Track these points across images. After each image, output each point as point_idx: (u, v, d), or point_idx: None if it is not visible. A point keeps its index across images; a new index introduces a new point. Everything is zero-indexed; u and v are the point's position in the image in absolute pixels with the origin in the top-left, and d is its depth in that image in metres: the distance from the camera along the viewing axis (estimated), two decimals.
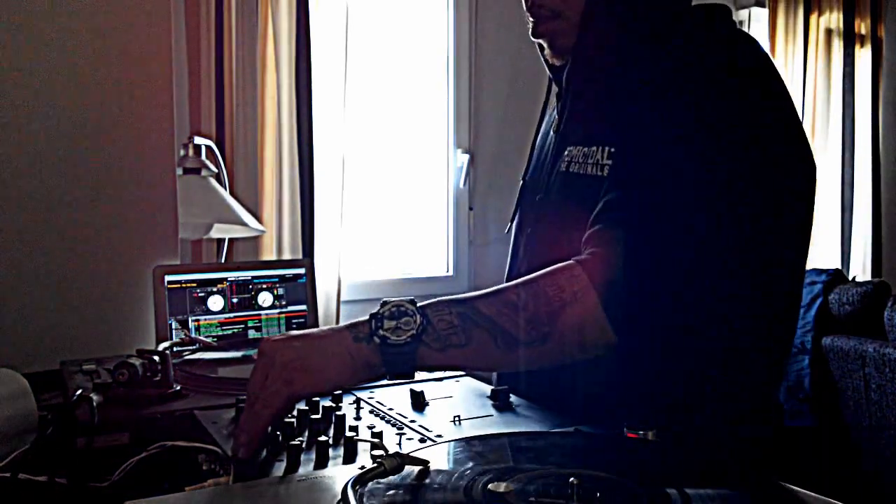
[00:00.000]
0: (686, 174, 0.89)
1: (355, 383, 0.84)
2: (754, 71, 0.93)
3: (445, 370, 0.90)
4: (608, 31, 1.03)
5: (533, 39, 1.11)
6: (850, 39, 4.12)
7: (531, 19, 1.08)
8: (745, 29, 3.90)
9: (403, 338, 0.81)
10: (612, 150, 0.94)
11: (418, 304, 0.84)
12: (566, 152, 1.05)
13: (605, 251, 0.88)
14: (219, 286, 1.56)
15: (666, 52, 0.95)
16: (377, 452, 0.73)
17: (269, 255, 2.58)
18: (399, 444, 0.81)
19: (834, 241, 4.12)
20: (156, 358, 1.02)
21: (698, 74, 0.91)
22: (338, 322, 2.68)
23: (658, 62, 0.94)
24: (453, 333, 0.83)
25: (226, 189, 2.28)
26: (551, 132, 1.14)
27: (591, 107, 1.05)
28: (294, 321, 1.62)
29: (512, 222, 1.22)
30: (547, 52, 1.11)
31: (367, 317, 0.83)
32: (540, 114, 1.27)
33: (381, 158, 3.06)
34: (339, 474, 0.69)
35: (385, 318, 0.82)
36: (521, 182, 1.21)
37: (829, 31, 4.07)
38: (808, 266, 3.63)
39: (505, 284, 0.89)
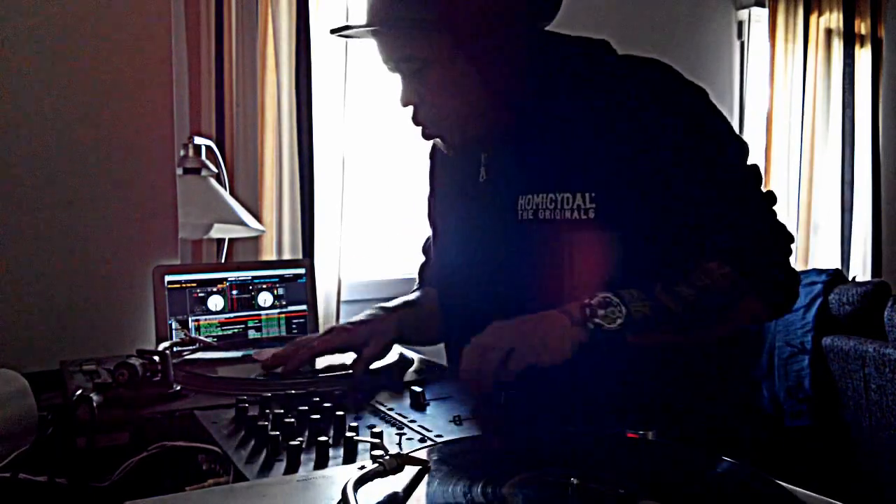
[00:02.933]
0: (665, 195, 1.04)
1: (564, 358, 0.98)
2: (669, 87, 1.07)
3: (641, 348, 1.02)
4: (517, 97, 1.12)
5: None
6: (850, 39, 4.12)
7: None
8: (745, 29, 3.90)
9: (616, 325, 0.98)
10: (593, 195, 1.05)
11: (618, 294, 0.99)
12: (522, 200, 1.10)
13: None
14: (219, 286, 1.56)
15: (590, 99, 1.08)
16: (377, 452, 0.73)
17: (269, 255, 2.57)
18: (399, 444, 0.81)
19: (834, 241, 4.12)
20: (156, 358, 1.02)
21: (632, 112, 1.05)
22: (338, 322, 2.68)
23: (588, 107, 1.08)
24: (646, 323, 0.99)
25: (226, 189, 2.28)
26: (482, 176, 1.18)
27: (537, 155, 1.11)
28: (294, 321, 1.62)
29: (426, 255, 1.39)
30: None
31: (577, 304, 0.99)
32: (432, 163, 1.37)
33: (381, 158, 3.06)
34: (339, 474, 0.69)
35: (597, 307, 0.98)
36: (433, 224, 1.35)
37: (829, 31, 4.07)
38: (809, 266, 3.63)
39: (677, 278, 1.03)
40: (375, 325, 1.20)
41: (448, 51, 1.07)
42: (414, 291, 1.38)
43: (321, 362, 1.18)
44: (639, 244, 1.05)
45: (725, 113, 1.10)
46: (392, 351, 1.22)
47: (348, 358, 1.17)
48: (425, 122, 1.13)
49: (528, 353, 0.95)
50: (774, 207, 1.10)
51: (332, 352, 1.16)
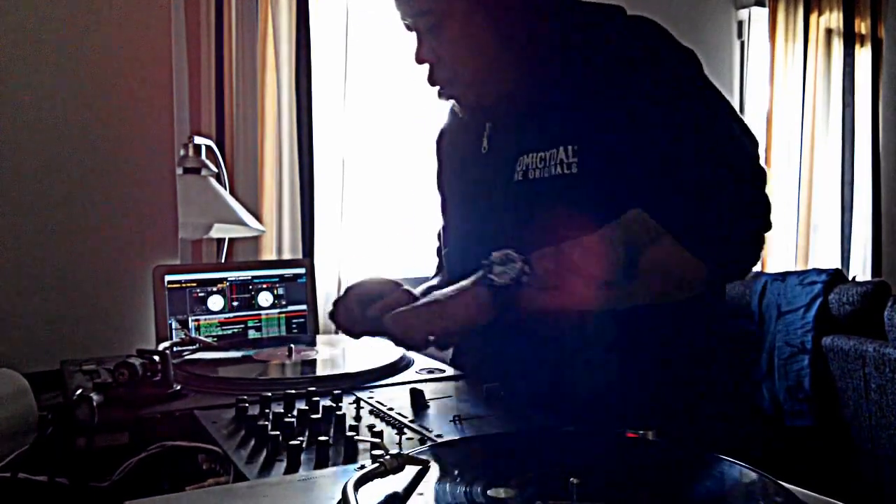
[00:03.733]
0: (646, 149, 0.99)
1: (484, 320, 0.97)
2: (661, 43, 1.04)
3: (551, 311, 0.98)
4: (518, 51, 1.08)
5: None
6: (850, 39, 4.12)
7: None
8: (745, 29, 3.90)
9: (507, 279, 0.95)
10: (575, 147, 1.02)
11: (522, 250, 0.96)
12: (518, 163, 1.09)
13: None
14: (219, 286, 1.56)
15: (587, 51, 1.05)
16: (377, 452, 0.73)
17: (269, 255, 2.58)
18: (399, 444, 0.81)
19: (834, 241, 4.12)
20: (156, 358, 1.02)
21: (623, 63, 1.01)
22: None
23: (583, 63, 1.05)
24: (550, 278, 0.95)
25: (226, 189, 2.28)
26: (484, 147, 1.17)
27: (534, 116, 1.09)
28: (294, 321, 1.62)
29: (440, 239, 1.37)
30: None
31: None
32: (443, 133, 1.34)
33: (381, 158, 3.06)
34: (339, 474, 0.68)
35: (495, 264, 0.96)
36: (441, 197, 1.33)
37: (829, 31, 4.07)
38: (809, 266, 3.63)
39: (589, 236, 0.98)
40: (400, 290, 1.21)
41: (464, 9, 1.05)
42: (434, 277, 1.39)
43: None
44: (619, 200, 1.00)
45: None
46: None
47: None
48: (441, 81, 1.11)
49: (444, 321, 0.96)
50: (750, 174, 1.00)
51: (367, 292, 1.16)
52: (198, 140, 2.11)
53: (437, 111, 1.36)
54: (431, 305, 0.99)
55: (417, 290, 1.30)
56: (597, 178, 1.01)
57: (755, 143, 1.04)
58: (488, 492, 0.62)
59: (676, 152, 0.98)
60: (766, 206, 0.99)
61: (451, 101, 1.17)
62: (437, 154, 1.38)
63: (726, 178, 0.97)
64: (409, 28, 1.11)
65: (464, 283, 1.00)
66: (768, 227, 0.99)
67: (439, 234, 1.43)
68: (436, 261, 1.45)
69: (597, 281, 0.96)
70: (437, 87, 1.12)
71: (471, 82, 1.09)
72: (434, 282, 1.36)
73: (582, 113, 1.03)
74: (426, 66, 1.10)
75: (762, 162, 1.05)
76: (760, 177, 1.00)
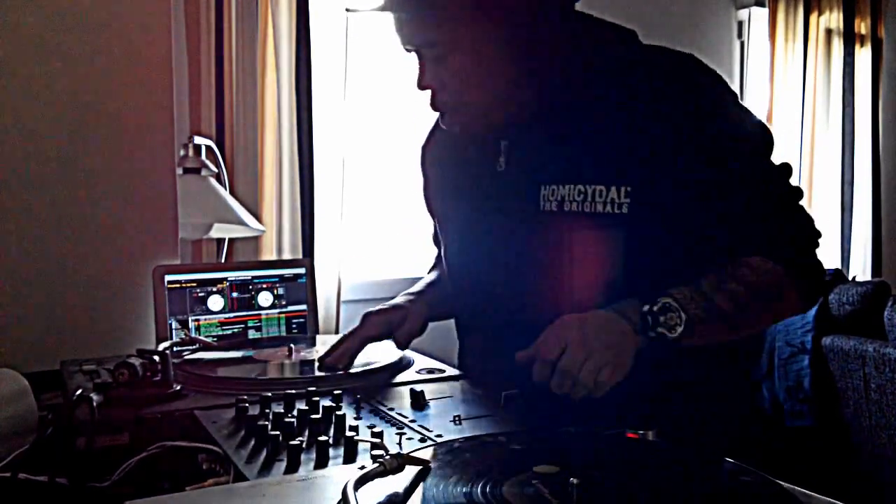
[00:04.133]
0: (698, 191, 1.02)
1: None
2: (704, 83, 1.06)
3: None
4: (544, 86, 1.08)
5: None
6: (850, 39, 4.11)
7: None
8: (745, 29, 3.90)
9: (676, 335, 0.96)
10: (629, 189, 1.01)
11: (674, 296, 0.97)
12: (544, 190, 1.06)
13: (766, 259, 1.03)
14: (219, 286, 1.56)
15: (629, 88, 1.04)
16: (377, 452, 0.73)
17: (269, 255, 2.57)
18: (399, 444, 0.81)
19: (834, 241, 4.12)
20: (156, 358, 1.02)
21: (667, 102, 1.02)
22: (338, 322, 2.68)
23: (631, 99, 1.03)
24: (702, 325, 0.98)
25: (226, 189, 2.28)
26: (500, 165, 1.13)
27: (564, 144, 1.07)
28: (294, 321, 1.62)
29: (438, 258, 1.37)
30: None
31: (635, 308, 0.97)
32: (429, 137, 1.32)
33: (382, 158, 3.06)
34: (339, 474, 0.68)
35: (657, 314, 0.96)
36: (427, 207, 1.32)
37: (829, 31, 4.07)
38: None
39: (723, 274, 1.01)
40: (408, 308, 1.23)
41: (474, 39, 1.02)
42: (432, 271, 1.40)
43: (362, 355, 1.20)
44: (671, 240, 1.03)
45: None
46: (392, 351, 1.22)
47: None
48: (444, 107, 1.08)
49: (611, 372, 0.93)
50: (802, 202, 1.09)
51: (376, 339, 1.20)
52: (198, 140, 2.11)
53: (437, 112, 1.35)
54: (579, 323, 0.96)
55: (416, 288, 1.30)
56: (646, 221, 1.01)
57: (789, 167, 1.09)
58: (488, 490, 0.62)
59: (741, 190, 1.03)
60: (813, 221, 1.08)
61: (437, 119, 1.15)
62: (422, 167, 1.34)
63: (788, 203, 1.06)
64: (409, 51, 1.08)
65: (598, 314, 0.97)
66: (819, 233, 1.08)
67: (434, 238, 1.43)
68: (433, 255, 1.45)
69: (735, 324, 1.01)
70: (439, 114, 1.10)
71: (476, 113, 1.07)
72: (432, 276, 1.37)
73: (634, 154, 1.02)
74: (427, 92, 1.08)
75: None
76: (800, 194, 1.08)
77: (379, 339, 1.21)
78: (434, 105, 1.09)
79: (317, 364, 1.16)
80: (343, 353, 1.16)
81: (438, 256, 1.43)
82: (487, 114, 1.07)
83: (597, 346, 0.93)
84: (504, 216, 1.12)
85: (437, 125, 1.30)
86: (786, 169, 1.08)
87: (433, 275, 1.38)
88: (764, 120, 3.87)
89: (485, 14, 1.01)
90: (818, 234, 1.08)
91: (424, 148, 1.34)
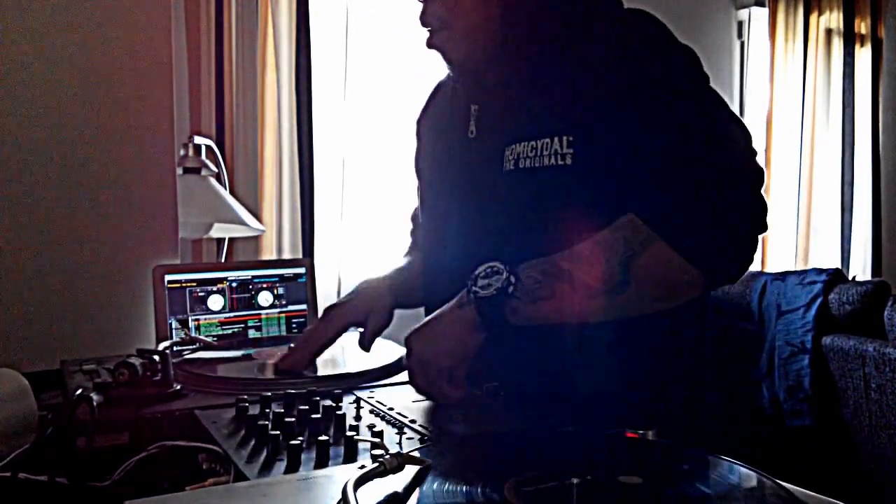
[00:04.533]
0: (643, 147, 0.95)
1: (476, 343, 0.97)
2: (662, 38, 1.01)
3: (538, 322, 0.96)
4: (519, 34, 1.07)
5: (428, 49, 1.12)
6: (850, 39, 4.12)
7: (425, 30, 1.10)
8: (745, 29, 3.90)
9: (491, 291, 0.93)
10: (570, 138, 0.98)
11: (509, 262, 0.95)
12: (507, 152, 1.05)
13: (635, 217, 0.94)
14: (219, 286, 1.56)
15: (585, 41, 1.02)
16: (377, 452, 0.73)
17: (269, 254, 2.58)
18: (399, 443, 0.81)
19: (834, 241, 4.12)
20: (156, 357, 1.02)
21: (621, 55, 0.98)
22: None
23: (581, 53, 1.01)
24: (539, 287, 0.93)
25: (226, 189, 2.28)
26: (471, 131, 1.13)
27: (527, 104, 1.06)
28: (294, 321, 1.62)
29: (414, 222, 1.38)
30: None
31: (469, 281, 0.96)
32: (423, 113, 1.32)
33: (382, 158, 3.06)
34: (339, 474, 0.68)
35: (479, 278, 0.95)
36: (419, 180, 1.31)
37: (829, 31, 4.07)
38: (808, 266, 3.62)
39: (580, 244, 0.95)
40: (370, 297, 1.21)
41: None
42: (405, 256, 1.38)
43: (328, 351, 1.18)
44: (612, 196, 0.97)
45: None
46: (392, 351, 1.22)
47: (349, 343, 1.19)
48: (434, 20, 1.08)
49: (451, 361, 0.96)
50: (750, 173, 0.96)
51: (338, 335, 1.18)
52: (198, 140, 2.11)
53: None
54: (418, 339, 0.99)
55: (381, 273, 1.29)
56: (591, 171, 0.98)
57: (751, 144, 0.99)
58: (488, 490, 0.62)
59: (672, 152, 0.94)
60: (762, 207, 0.95)
61: (436, 86, 1.14)
62: (416, 135, 1.35)
63: (722, 179, 0.93)
64: None
65: (445, 306, 0.99)
66: (764, 228, 0.95)
67: (414, 216, 1.42)
68: (407, 242, 1.44)
69: (589, 291, 0.93)
70: (429, 28, 1.09)
71: (462, 29, 1.07)
72: (404, 262, 1.35)
73: (578, 103, 0.99)
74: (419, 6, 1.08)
75: (760, 163, 1.01)
76: (757, 178, 0.96)
77: (340, 336, 1.19)
78: (424, 15, 1.08)
79: (273, 368, 1.14)
80: (301, 357, 1.14)
81: (412, 244, 1.43)
82: (470, 35, 1.07)
83: (427, 350, 0.97)
84: (474, 183, 1.12)
85: (434, 93, 1.32)
86: (736, 147, 0.97)
87: (403, 261, 1.35)
88: (764, 120, 3.89)
89: None
90: (754, 219, 0.94)
91: (421, 115, 1.35)
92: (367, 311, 1.20)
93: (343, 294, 2.72)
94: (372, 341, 1.20)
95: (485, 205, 1.10)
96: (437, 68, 1.15)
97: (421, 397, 0.99)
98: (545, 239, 0.98)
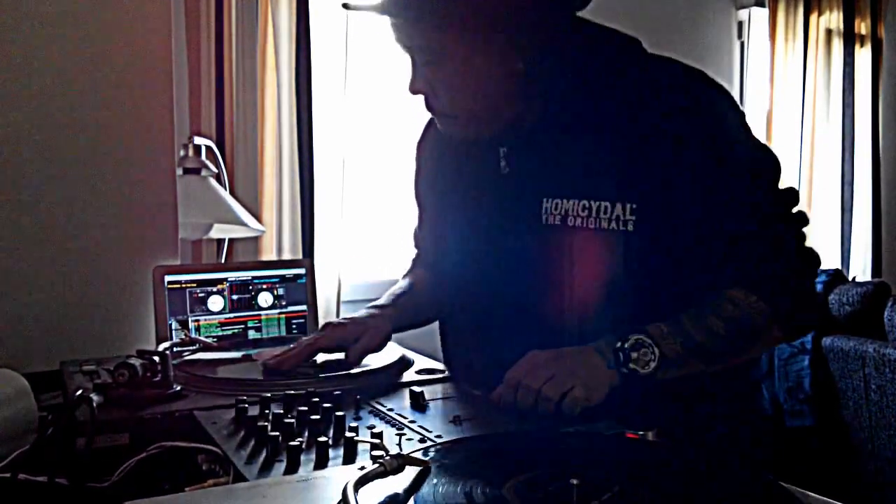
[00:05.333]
0: (699, 216, 1.01)
1: (601, 398, 0.95)
2: (714, 100, 1.04)
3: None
4: (542, 97, 1.06)
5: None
6: (850, 39, 4.11)
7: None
8: (745, 29, 3.90)
9: (649, 371, 0.96)
10: (634, 206, 1.00)
11: (649, 333, 0.96)
12: (547, 203, 1.05)
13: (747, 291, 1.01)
14: (219, 286, 1.56)
15: (634, 102, 1.03)
16: (377, 453, 0.73)
17: (269, 255, 2.57)
18: (399, 444, 0.81)
19: (834, 241, 4.12)
20: (156, 358, 1.02)
21: (673, 117, 1.00)
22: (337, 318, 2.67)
23: (639, 116, 1.02)
24: (676, 359, 0.98)
25: (226, 189, 2.28)
26: (503, 168, 1.12)
27: (566, 159, 1.06)
28: (294, 321, 1.62)
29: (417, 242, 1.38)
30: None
31: (609, 344, 0.96)
32: (423, 138, 1.32)
33: (382, 158, 3.06)
34: (338, 475, 0.68)
35: (629, 350, 0.96)
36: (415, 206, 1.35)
37: (829, 31, 4.07)
38: None
39: (705, 309, 1.00)
40: (369, 322, 1.20)
41: (464, 48, 1.00)
42: (405, 277, 1.37)
43: (320, 359, 1.18)
44: (673, 258, 1.02)
45: None
46: (392, 351, 1.22)
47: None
48: (437, 111, 1.07)
49: (580, 390, 0.93)
50: (804, 229, 1.06)
51: (326, 350, 1.16)
52: (198, 140, 2.11)
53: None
54: (550, 359, 0.96)
55: (381, 301, 1.28)
56: (654, 239, 1.00)
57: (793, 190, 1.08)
58: (488, 490, 0.61)
59: (740, 217, 1.01)
60: (812, 253, 1.06)
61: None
62: (416, 159, 1.34)
63: (785, 235, 1.04)
64: (403, 50, 1.07)
65: (574, 350, 0.98)
66: (818, 264, 1.07)
67: (416, 237, 1.42)
68: (408, 264, 1.43)
69: (714, 358, 1.00)
70: (436, 116, 1.09)
71: (466, 122, 1.06)
72: (405, 284, 1.34)
73: (640, 171, 1.00)
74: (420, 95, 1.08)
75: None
76: (803, 221, 1.06)
77: (329, 350, 1.17)
78: (428, 106, 1.09)
79: (260, 366, 1.14)
80: (289, 358, 1.12)
81: (414, 261, 1.42)
82: (478, 123, 1.06)
83: (564, 369, 0.94)
84: (505, 223, 1.11)
85: (433, 119, 1.31)
86: (790, 195, 1.06)
87: (404, 283, 1.34)
88: (764, 120, 3.89)
89: (475, 23, 0.99)
90: (814, 266, 1.05)
91: (421, 139, 1.34)
92: (359, 335, 1.17)
93: (344, 295, 2.74)
94: (358, 357, 1.16)
95: (519, 253, 1.09)
96: None
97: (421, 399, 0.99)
98: (594, 297, 1.01)
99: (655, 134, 1.00)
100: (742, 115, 1.06)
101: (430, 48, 1.02)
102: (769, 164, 1.05)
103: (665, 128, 1.00)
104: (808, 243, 1.07)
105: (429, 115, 1.31)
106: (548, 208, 1.06)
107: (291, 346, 1.17)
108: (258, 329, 1.58)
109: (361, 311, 1.24)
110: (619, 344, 0.96)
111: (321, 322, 1.69)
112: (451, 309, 1.26)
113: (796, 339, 1.09)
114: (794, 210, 1.06)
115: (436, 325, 1.32)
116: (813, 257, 1.05)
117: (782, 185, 1.06)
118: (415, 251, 1.43)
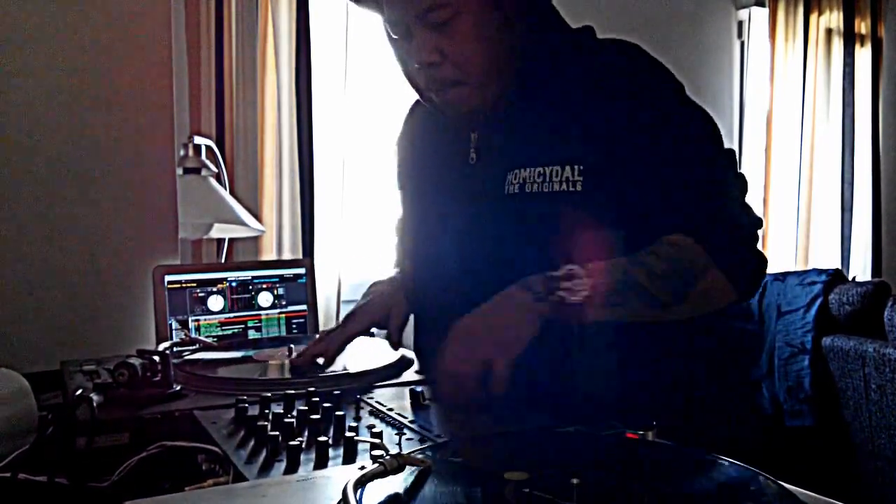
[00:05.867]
0: (641, 172, 1.04)
1: (530, 336, 0.95)
2: (649, 68, 1.08)
3: (588, 321, 1.00)
4: (526, 68, 1.10)
5: (425, 103, 1.14)
6: (850, 39, 4.12)
7: (431, 94, 1.10)
8: (745, 29, 3.90)
9: (580, 297, 0.95)
10: (581, 167, 1.04)
11: (586, 266, 0.97)
12: (510, 175, 1.08)
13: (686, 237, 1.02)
14: (219, 286, 1.56)
15: (582, 74, 1.07)
16: (377, 453, 0.73)
17: (269, 255, 2.58)
18: (399, 444, 0.81)
19: (834, 241, 4.12)
20: (156, 358, 1.02)
21: (613, 86, 1.05)
22: (338, 322, 2.67)
23: (586, 86, 1.06)
24: (613, 296, 0.97)
25: (226, 189, 2.28)
26: (471, 157, 1.15)
27: (533, 132, 1.09)
28: (294, 321, 1.62)
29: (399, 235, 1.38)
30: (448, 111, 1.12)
31: (539, 277, 0.97)
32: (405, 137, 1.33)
33: (382, 158, 3.06)
34: (338, 475, 0.68)
35: (561, 280, 0.95)
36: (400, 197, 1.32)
37: (829, 31, 4.07)
38: (809, 266, 3.63)
39: (645, 251, 1.01)
40: (386, 297, 1.24)
41: (482, 2, 1.04)
42: (395, 268, 1.38)
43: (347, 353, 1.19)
44: (620, 219, 1.04)
45: (725, 113, 1.10)
46: (392, 351, 1.22)
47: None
48: (444, 81, 1.07)
49: (500, 352, 0.92)
50: (744, 190, 1.09)
51: (360, 334, 1.20)
52: (198, 140, 2.11)
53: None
54: (470, 327, 0.96)
55: (386, 277, 1.30)
56: (601, 197, 1.03)
57: (731, 151, 1.10)
58: (488, 490, 0.62)
59: (680, 168, 1.04)
60: (751, 211, 1.07)
61: (412, 106, 1.15)
62: (396, 152, 1.36)
63: (732, 194, 1.05)
64: (408, 27, 1.07)
65: (500, 295, 0.98)
66: (759, 223, 1.08)
67: (398, 230, 1.42)
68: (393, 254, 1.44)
69: (654, 300, 0.99)
70: (434, 93, 1.10)
71: (477, 83, 1.07)
72: (394, 274, 1.36)
73: (586, 134, 1.04)
74: (416, 68, 1.08)
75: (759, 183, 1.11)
76: (743, 182, 1.08)
77: (362, 334, 1.21)
78: (432, 80, 1.08)
79: (289, 365, 1.15)
80: (327, 350, 1.15)
81: (399, 254, 1.43)
82: (484, 86, 1.08)
83: (481, 336, 0.94)
84: (470, 204, 1.14)
85: (410, 113, 1.35)
86: (730, 155, 1.09)
87: (395, 271, 1.38)
88: (764, 120, 3.89)
89: None
90: (753, 223, 1.06)
91: (400, 134, 1.37)
92: (385, 309, 1.22)
93: (344, 295, 2.74)
94: (399, 335, 1.22)
95: (486, 227, 1.11)
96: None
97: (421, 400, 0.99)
98: (554, 258, 1.00)
99: (596, 100, 1.05)
100: (679, 84, 1.09)
101: (448, 4, 1.03)
102: (709, 122, 1.09)
103: (603, 94, 1.05)
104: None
105: (405, 113, 1.36)
106: (510, 180, 1.09)
107: (314, 342, 1.18)
108: (258, 329, 1.58)
109: (369, 291, 1.28)
110: (550, 272, 0.97)
111: (321, 322, 1.70)
112: (422, 296, 1.26)
113: (744, 290, 1.05)
114: (734, 171, 1.09)
115: None
116: (752, 215, 1.07)
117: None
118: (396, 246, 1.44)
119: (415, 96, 1.19)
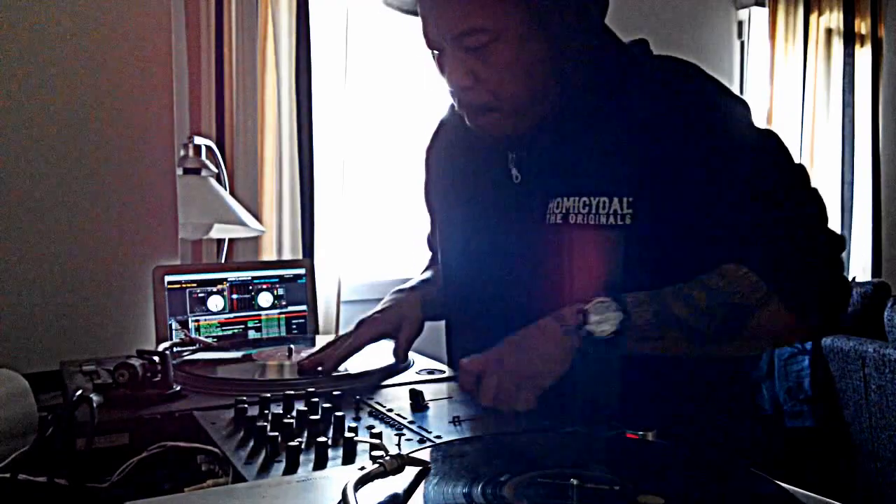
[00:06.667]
0: (700, 206, 1.00)
1: (564, 369, 0.96)
2: (712, 100, 1.03)
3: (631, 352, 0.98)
4: (569, 95, 1.05)
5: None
6: (850, 39, 4.11)
7: (464, 114, 1.08)
8: (745, 29, 3.90)
9: (609, 332, 0.93)
10: (630, 199, 1.00)
11: (621, 298, 0.95)
12: (552, 204, 1.05)
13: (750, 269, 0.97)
14: (219, 286, 1.56)
15: (631, 100, 1.03)
16: (377, 453, 0.73)
17: (269, 255, 2.58)
18: (398, 444, 0.81)
19: None
20: (156, 358, 1.02)
21: (674, 120, 1.00)
22: (338, 322, 2.68)
23: (634, 112, 1.02)
24: (649, 329, 0.95)
25: (226, 189, 2.28)
26: (515, 176, 1.11)
27: (578, 160, 1.05)
28: (294, 321, 1.62)
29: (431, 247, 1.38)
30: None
31: (572, 308, 0.95)
32: (430, 152, 1.31)
33: (382, 158, 3.06)
34: (338, 475, 0.68)
35: (591, 313, 0.94)
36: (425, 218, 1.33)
37: (829, 31, 4.07)
38: None
39: (693, 284, 0.97)
40: (403, 308, 1.21)
41: (521, 29, 0.98)
42: (426, 271, 1.38)
43: (355, 359, 1.18)
44: (673, 252, 1.00)
45: None
46: (390, 352, 1.22)
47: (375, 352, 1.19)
48: (476, 106, 1.04)
49: (528, 386, 0.94)
50: (820, 209, 1.03)
51: (368, 343, 1.18)
52: (198, 140, 2.11)
53: (437, 111, 1.34)
54: (510, 345, 0.97)
55: (408, 285, 1.29)
56: (651, 230, 1.00)
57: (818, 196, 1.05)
58: (488, 490, 0.62)
59: (738, 204, 0.99)
60: (839, 242, 1.01)
61: (441, 121, 1.14)
62: (426, 167, 1.33)
63: (801, 216, 1.00)
64: (441, 45, 1.03)
65: (534, 326, 0.98)
66: (840, 246, 1.01)
67: (429, 242, 1.42)
68: (427, 257, 1.44)
69: (698, 335, 0.96)
70: (464, 113, 1.07)
71: (508, 112, 1.03)
72: (428, 274, 1.35)
73: (640, 166, 1.00)
74: (448, 90, 1.05)
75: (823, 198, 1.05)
76: (827, 216, 1.03)
77: (370, 343, 1.19)
78: (462, 103, 1.05)
79: (297, 367, 1.14)
80: (330, 357, 1.13)
81: (432, 258, 1.42)
82: (519, 114, 1.03)
83: (509, 374, 0.95)
84: (512, 225, 1.11)
85: (441, 126, 1.30)
86: (797, 173, 1.05)
87: (427, 273, 1.36)
88: (764, 120, 3.89)
89: (537, 4, 0.99)
90: (830, 247, 1.00)
91: (430, 145, 1.33)
92: (398, 322, 1.20)
93: (344, 296, 2.74)
94: (406, 351, 1.19)
95: (523, 255, 1.09)
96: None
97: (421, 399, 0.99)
98: (597, 288, 0.99)
99: (648, 128, 1.00)
100: (747, 107, 1.05)
101: (486, 27, 0.98)
102: (776, 143, 1.05)
103: (657, 122, 1.00)
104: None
105: (434, 124, 1.32)
106: (552, 208, 1.06)
107: (327, 345, 1.18)
108: (258, 329, 1.58)
109: (388, 299, 1.26)
110: (581, 304, 0.95)
111: (321, 322, 1.70)
112: (456, 310, 1.26)
113: (815, 323, 0.98)
114: (807, 189, 1.04)
115: (435, 325, 1.33)
116: (833, 234, 1.01)
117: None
118: (430, 253, 1.44)
119: (438, 107, 1.19)
